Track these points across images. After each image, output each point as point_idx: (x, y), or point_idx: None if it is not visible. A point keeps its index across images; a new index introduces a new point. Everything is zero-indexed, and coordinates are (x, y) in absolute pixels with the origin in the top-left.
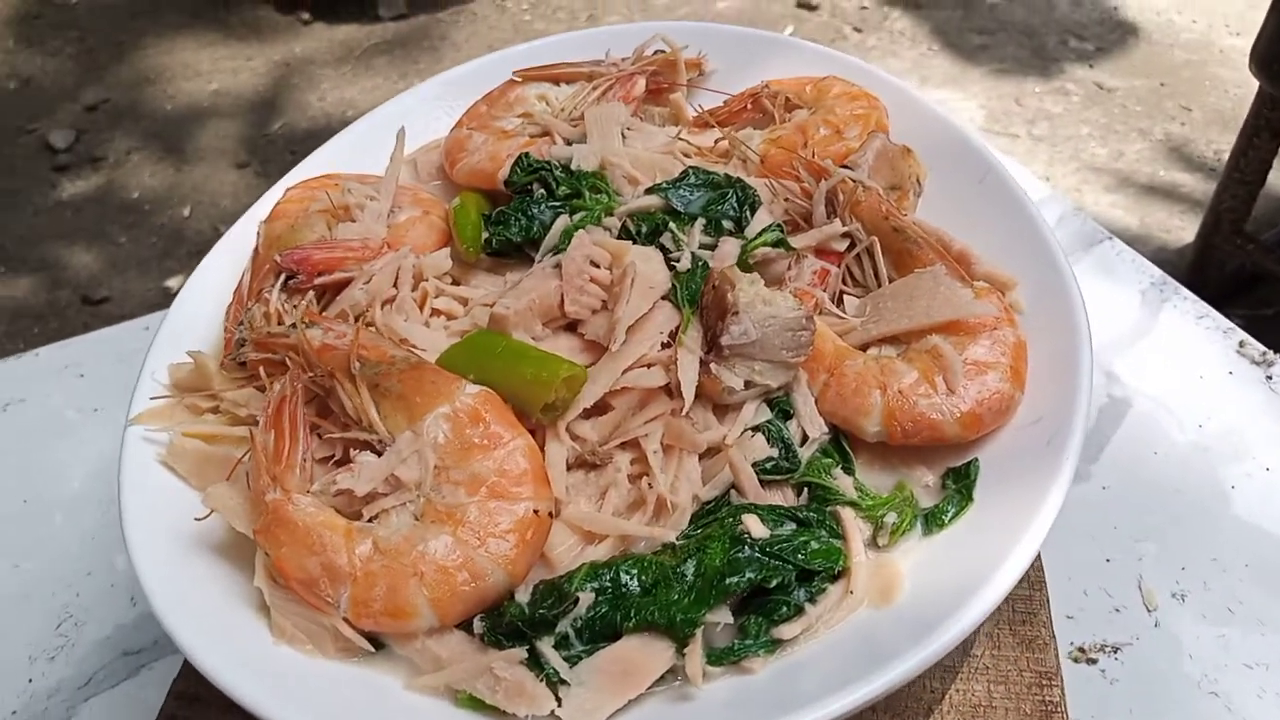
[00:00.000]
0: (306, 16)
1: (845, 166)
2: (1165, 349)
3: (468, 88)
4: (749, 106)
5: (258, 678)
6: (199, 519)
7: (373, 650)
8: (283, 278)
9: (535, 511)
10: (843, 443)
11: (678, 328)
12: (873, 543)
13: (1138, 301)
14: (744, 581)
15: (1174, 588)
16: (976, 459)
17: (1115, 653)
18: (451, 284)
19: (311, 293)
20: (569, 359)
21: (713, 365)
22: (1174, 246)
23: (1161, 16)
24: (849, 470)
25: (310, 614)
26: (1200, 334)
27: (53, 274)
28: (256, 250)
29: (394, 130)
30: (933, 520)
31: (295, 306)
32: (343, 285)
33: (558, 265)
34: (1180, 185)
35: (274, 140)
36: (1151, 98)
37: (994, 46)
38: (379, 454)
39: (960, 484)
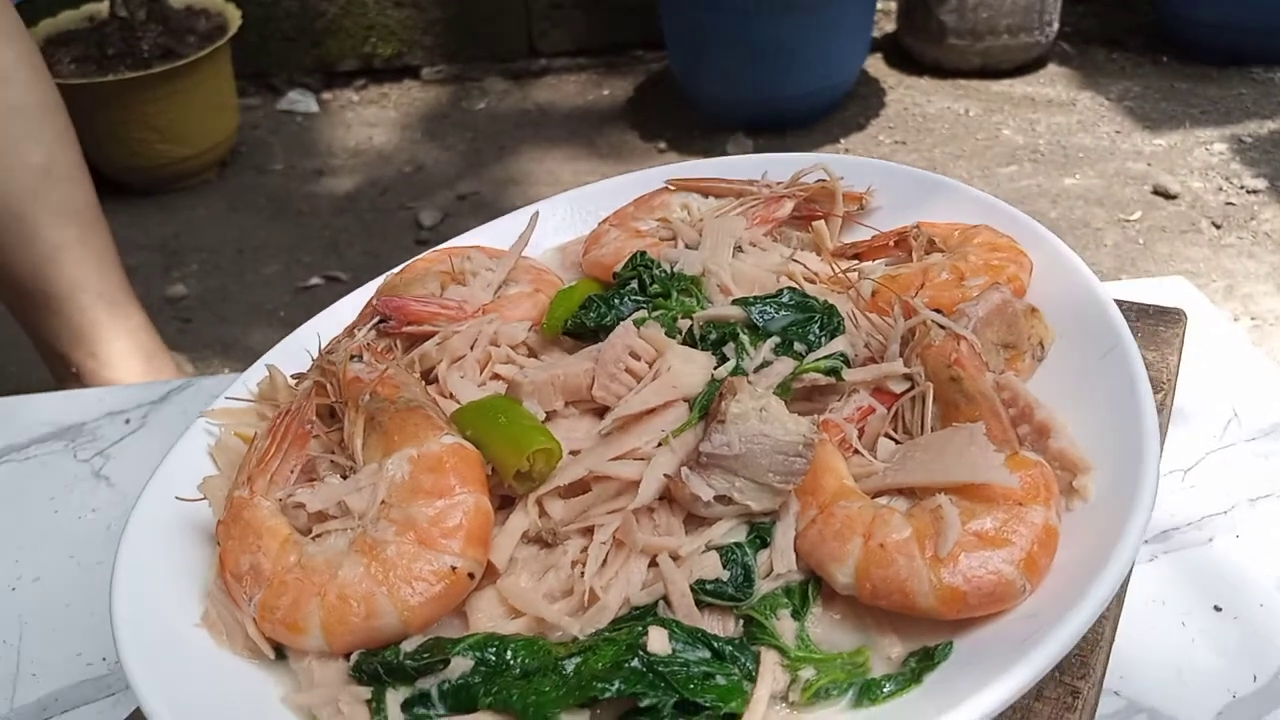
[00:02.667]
0: (663, 145)
1: (939, 311)
2: None
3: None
4: (893, 244)
5: (146, 646)
6: (188, 499)
7: (272, 658)
8: (376, 320)
9: (454, 568)
10: (810, 589)
11: None
12: (786, 698)
13: None
14: (610, 690)
15: None
16: (952, 643)
17: None
18: (527, 355)
19: (399, 340)
20: (568, 444)
21: (684, 469)
22: None
23: None
24: (798, 615)
25: (232, 608)
26: None
27: None
28: (373, 296)
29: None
30: (866, 692)
31: (380, 349)
32: (430, 338)
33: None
34: None
35: None
36: None
37: None
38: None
39: (921, 665)
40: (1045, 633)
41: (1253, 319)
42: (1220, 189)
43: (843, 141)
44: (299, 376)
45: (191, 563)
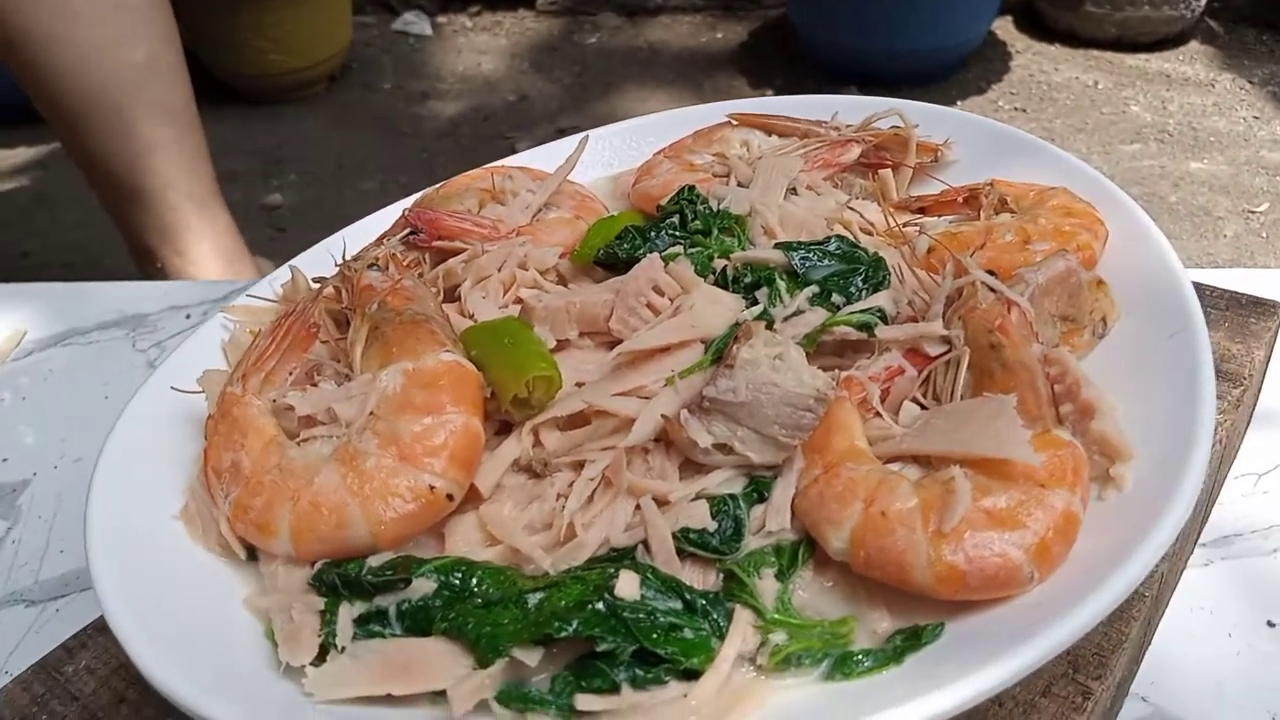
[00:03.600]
0: (770, 94)
1: (993, 273)
2: None
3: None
4: (962, 201)
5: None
6: (184, 390)
7: (243, 558)
8: (406, 231)
9: (432, 488)
10: (801, 551)
11: None
12: (754, 660)
13: None
14: (567, 629)
15: None
16: (944, 625)
17: None
18: (556, 281)
19: (428, 255)
20: (577, 376)
21: (684, 413)
22: None
23: None
24: (783, 577)
25: (210, 504)
26: None
27: None
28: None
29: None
30: (840, 665)
31: (408, 262)
32: (457, 255)
33: None
34: None
35: None
36: None
37: None
38: None
39: (906, 644)
40: (1041, 626)
41: None
42: None
43: (959, 104)
44: (322, 281)
45: (186, 456)
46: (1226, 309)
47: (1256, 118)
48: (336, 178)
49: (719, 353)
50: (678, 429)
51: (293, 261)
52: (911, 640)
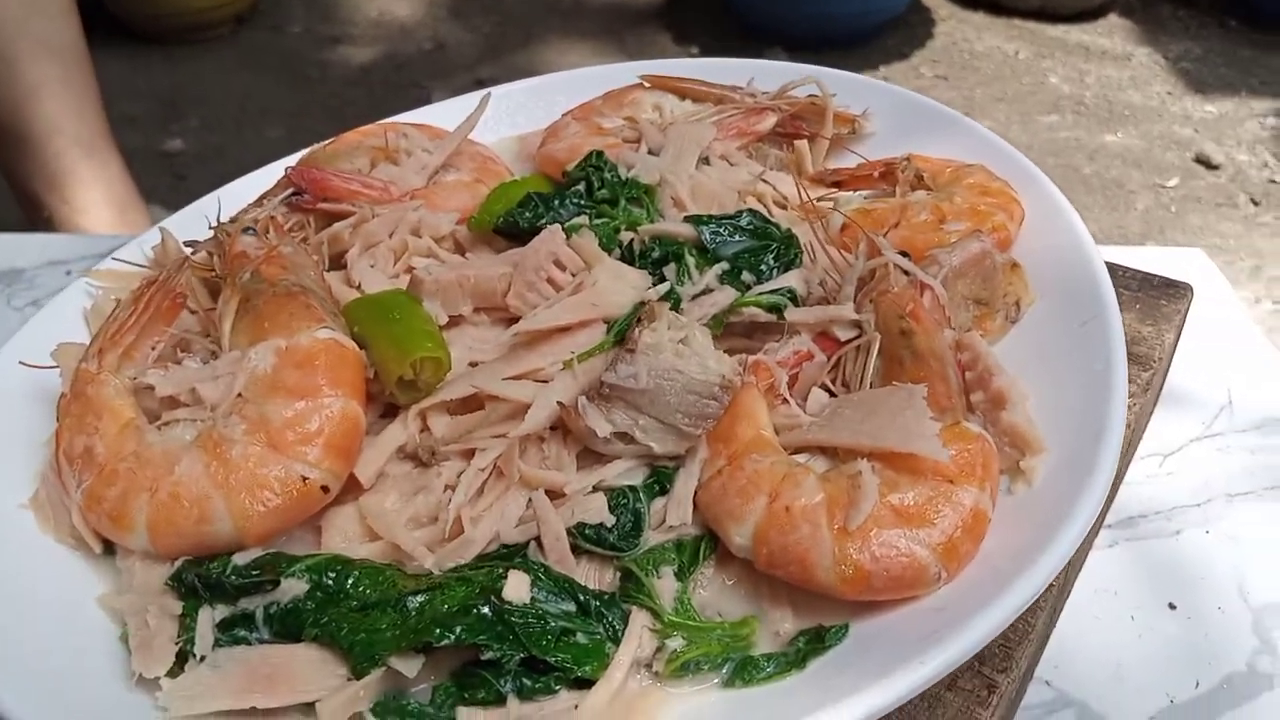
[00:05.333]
0: (695, 51)
1: (906, 254)
2: None
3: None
4: (878, 175)
5: None
6: (28, 364)
7: (98, 552)
8: (289, 191)
9: (305, 479)
10: (702, 547)
11: None
12: (651, 666)
13: None
14: (449, 638)
15: None
16: (848, 626)
17: None
18: (453, 250)
19: (313, 218)
20: (470, 354)
21: (582, 400)
22: None
23: None
24: (682, 575)
25: (61, 491)
26: None
27: None
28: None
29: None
30: (741, 671)
31: (290, 225)
32: (347, 218)
33: None
34: None
35: None
36: None
37: None
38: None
39: (810, 646)
40: (944, 634)
41: (1275, 303)
42: (1265, 165)
43: (882, 69)
44: (193, 244)
45: (39, 438)
46: (1139, 290)
47: (1170, 93)
48: (240, 123)
49: (621, 334)
50: (575, 417)
51: (165, 222)
52: (815, 643)
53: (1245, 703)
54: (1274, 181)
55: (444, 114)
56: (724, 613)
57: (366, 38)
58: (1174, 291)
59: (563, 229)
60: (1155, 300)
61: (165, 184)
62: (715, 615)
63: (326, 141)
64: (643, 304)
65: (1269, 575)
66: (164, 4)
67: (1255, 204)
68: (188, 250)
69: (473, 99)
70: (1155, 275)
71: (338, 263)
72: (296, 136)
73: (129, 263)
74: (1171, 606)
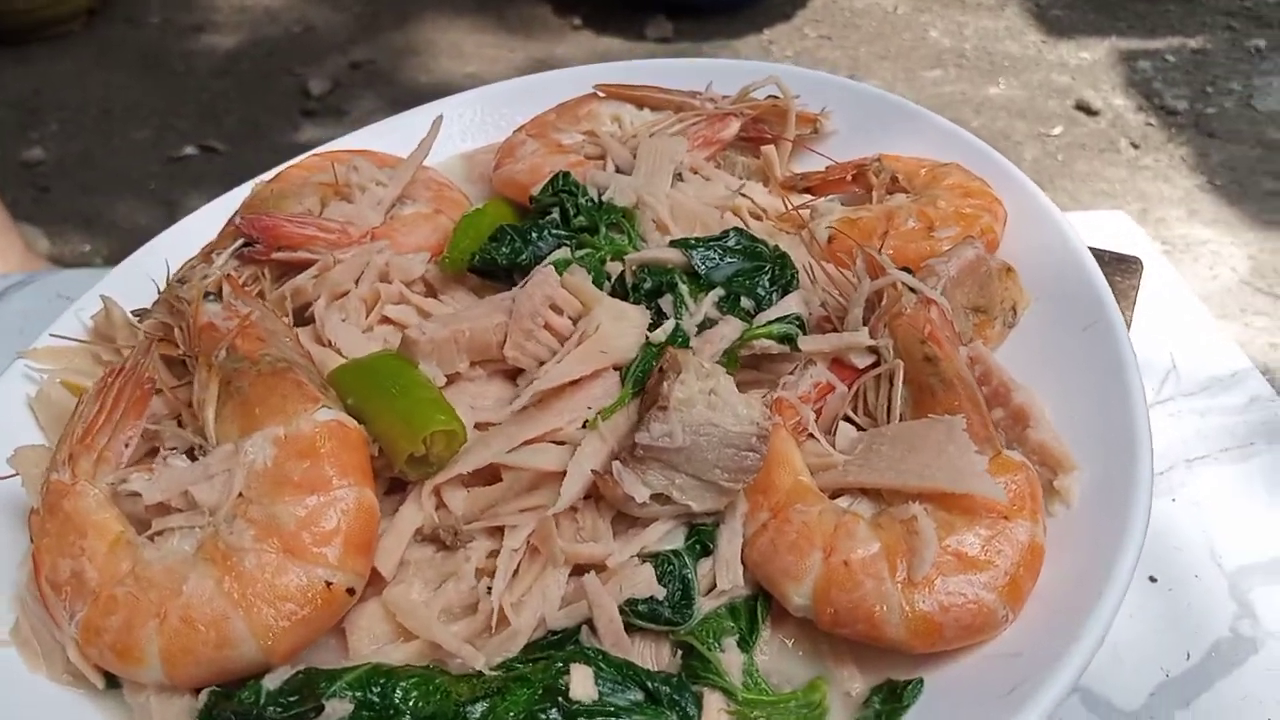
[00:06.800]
0: (578, 22)
1: (908, 269)
2: None
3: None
4: (851, 178)
5: None
6: None
7: (101, 687)
8: (240, 243)
9: (329, 584)
10: (759, 609)
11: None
12: None
13: None
14: None
15: None
16: (921, 681)
17: None
18: (424, 294)
19: (268, 269)
20: (473, 415)
21: (616, 464)
22: None
23: None
24: (746, 645)
25: (49, 623)
26: None
27: None
28: (237, 210)
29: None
30: None
31: (244, 279)
32: (305, 267)
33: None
34: None
35: None
36: None
37: None
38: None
39: (886, 707)
40: (1030, 686)
41: (1163, 244)
42: (1140, 108)
43: (766, 32)
44: (142, 314)
45: (3, 555)
46: None
47: (1044, 41)
48: (104, 126)
49: (640, 384)
50: (611, 484)
51: (102, 287)
52: (892, 702)
53: (1234, 669)
54: (1151, 125)
55: (382, 136)
56: (789, 677)
57: (230, 25)
58: (1126, 267)
59: (554, 270)
60: (1110, 277)
61: (28, 197)
62: (782, 683)
63: (265, 180)
64: (651, 346)
65: (1236, 538)
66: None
67: (1135, 148)
68: (134, 319)
69: (412, 117)
70: (1106, 251)
71: (301, 316)
72: (166, 137)
73: (68, 338)
74: (1152, 579)
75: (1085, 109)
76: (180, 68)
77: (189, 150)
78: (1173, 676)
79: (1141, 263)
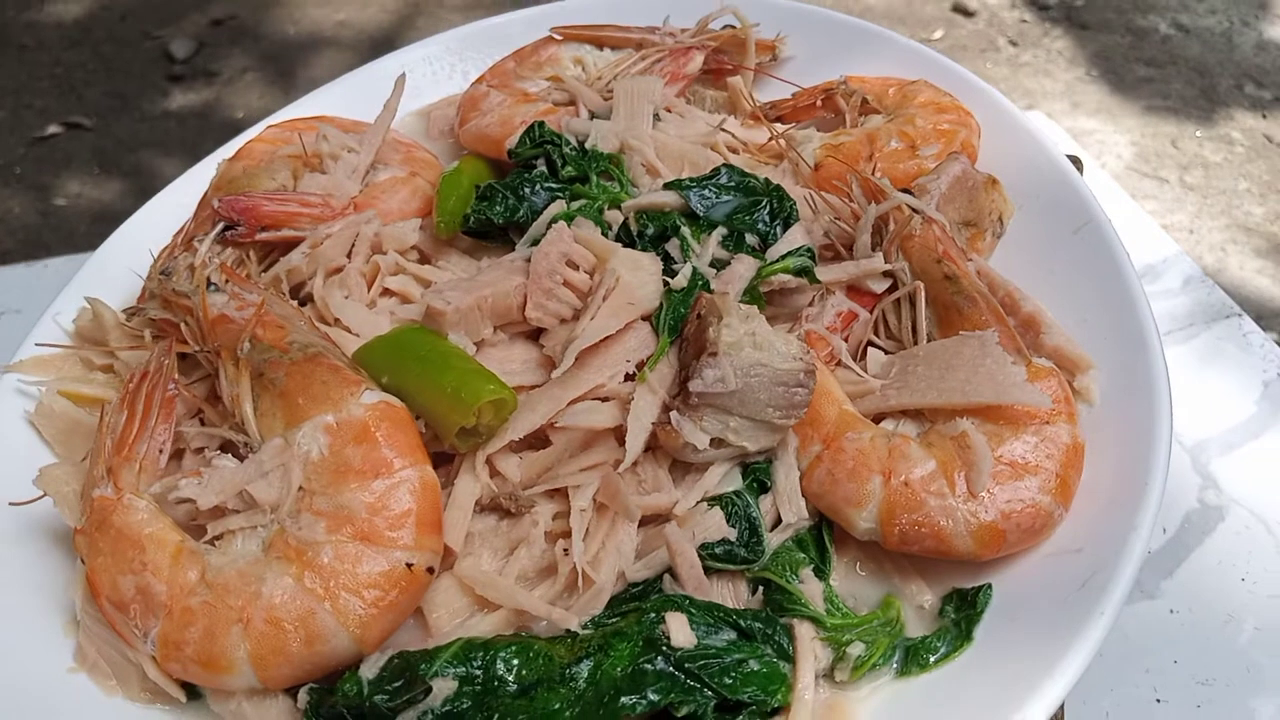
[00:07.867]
0: None
1: (909, 190)
2: None
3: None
4: (820, 103)
5: (18, 711)
6: (18, 504)
7: (183, 700)
8: (221, 227)
9: (410, 566)
10: (824, 536)
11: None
12: (830, 675)
13: (1257, 394)
14: (643, 704)
15: None
16: (990, 586)
17: None
18: (418, 261)
19: (253, 250)
20: (504, 379)
21: (674, 414)
22: None
23: None
24: (822, 574)
25: (118, 643)
26: None
27: (144, 182)
28: (207, 192)
29: (443, 65)
30: (914, 657)
31: (229, 263)
32: (291, 245)
33: (528, 260)
34: None
35: None
36: None
37: (1159, 81)
38: (242, 459)
39: (961, 615)
40: (1101, 578)
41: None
42: (1014, 5)
43: None
44: (132, 311)
45: (39, 579)
46: None
47: None
48: None
49: (674, 332)
50: (672, 433)
51: (72, 286)
52: (967, 609)
53: (1206, 536)
54: (1025, 21)
55: (331, 98)
56: (862, 599)
57: None
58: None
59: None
60: None
61: None
62: (857, 605)
63: (225, 159)
64: (673, 292)
65: (1190, 415)
66: None
67: (1014, 45)
68: (123, 318)
69: (362, 75)
70: None
71: (296, 295)
72: (24, 117)
73: (54, 345)
74: None
75: (962, 10)
76: (29, 41)
77: (53, 129)
78: (1154, 551)
79: (1082, 161)
